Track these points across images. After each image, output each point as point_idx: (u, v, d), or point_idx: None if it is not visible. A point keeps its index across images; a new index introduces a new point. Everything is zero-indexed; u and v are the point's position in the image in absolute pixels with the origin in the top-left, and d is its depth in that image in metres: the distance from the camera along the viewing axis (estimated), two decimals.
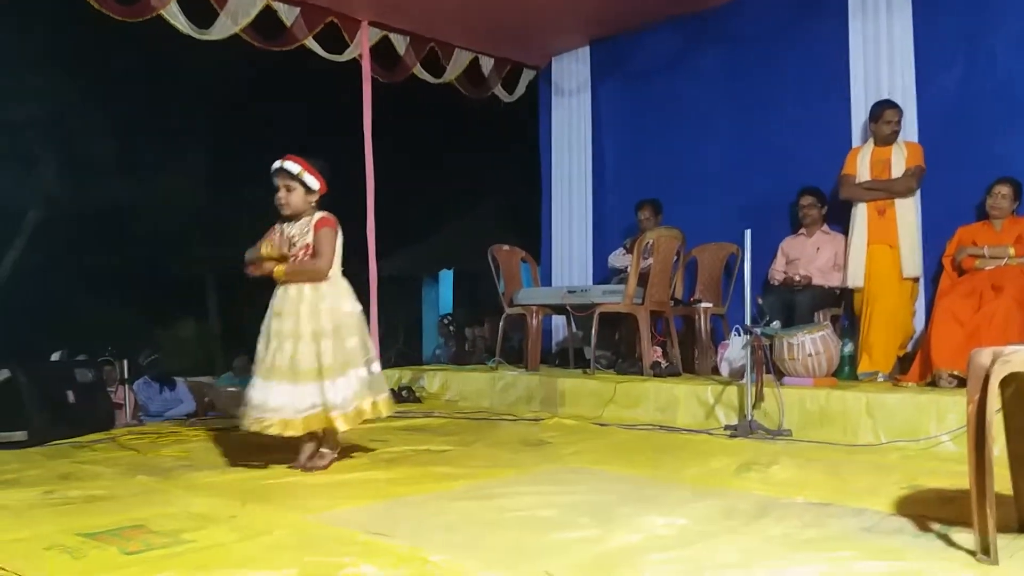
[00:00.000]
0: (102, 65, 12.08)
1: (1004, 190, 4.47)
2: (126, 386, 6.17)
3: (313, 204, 3.19)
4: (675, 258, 5.39)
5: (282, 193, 3.15)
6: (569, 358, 5.89)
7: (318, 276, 3.12)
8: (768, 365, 4.02)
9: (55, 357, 6.39)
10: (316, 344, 3.06)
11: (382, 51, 6.07)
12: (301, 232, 3.16)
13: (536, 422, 4.48)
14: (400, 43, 6.14)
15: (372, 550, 2.00)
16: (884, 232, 4.70)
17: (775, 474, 2.97)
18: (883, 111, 4.76)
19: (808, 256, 5.18)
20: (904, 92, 5.00)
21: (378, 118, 5.93)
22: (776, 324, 4.39)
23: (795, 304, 4.91)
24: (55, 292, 12.53)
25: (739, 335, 4.42)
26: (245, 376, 9.18)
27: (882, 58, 5.16)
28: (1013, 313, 3.97)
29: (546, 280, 6.75)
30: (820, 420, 3.86)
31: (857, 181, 4.81)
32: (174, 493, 2.72)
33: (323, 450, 3.18)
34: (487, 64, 6.71)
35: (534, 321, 5.62)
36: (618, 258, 6.01)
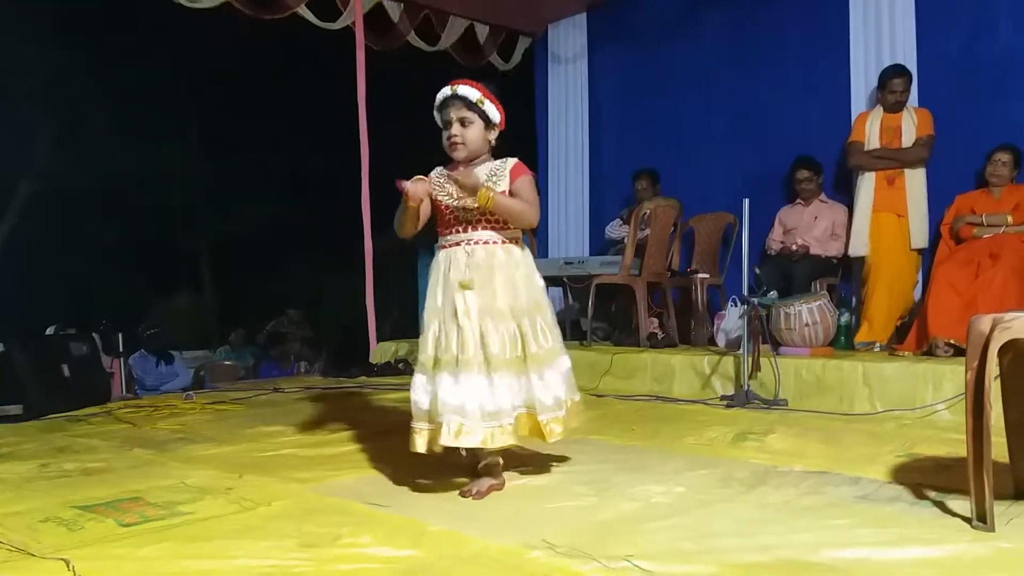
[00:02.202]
0: (97, 36, 11.91)
1: (1004, 157, 4.44)
2: (121, 359, 6.15)
3: (492, 144, 2.46)
4: (672, 228, 5.36)
5: (456, 129, 2.41)
6: (565, 330, 5.88)
7: (528, 223, 2.42)
8: (765, 335, 4.02)
9: (50, 331, 6.36)
10: (516, 325, 2.32)
11: (375, 19, 5.99)
12: (490, 179, 2.38)
13: None
14: (394, 10, 6.05)
15: (370, 520, 2.00)
16: (892, 201, 4.66)
17: (772, 443, 2.97)
18: (889, 79, 4.68)
19: (806, 225, 5.16)
20: (905, 57, 4.94)
21: (372, 88, 5.85)
22: (773, 294, 4.38)
23: (792, 274, 4.90)
24: (50, 265, 12.48)
25: (736, 305, 4.41)
26: (242, 350, 9.22)
27: (883, 22, 5.09)
28: (1011, 282, 3.96)
29: (542, 252, 6.73)
30: (816, 390, 3.86)
31: (866, 148, 4.75)
32: (170, 466, 2.71)
33: (489, 462, 2.36)
34: (483, 32, 6.62)
35: None
36: (615, 229, 5.99)
